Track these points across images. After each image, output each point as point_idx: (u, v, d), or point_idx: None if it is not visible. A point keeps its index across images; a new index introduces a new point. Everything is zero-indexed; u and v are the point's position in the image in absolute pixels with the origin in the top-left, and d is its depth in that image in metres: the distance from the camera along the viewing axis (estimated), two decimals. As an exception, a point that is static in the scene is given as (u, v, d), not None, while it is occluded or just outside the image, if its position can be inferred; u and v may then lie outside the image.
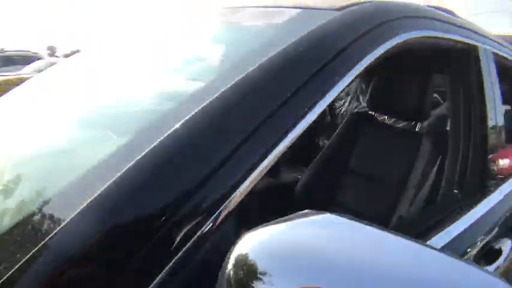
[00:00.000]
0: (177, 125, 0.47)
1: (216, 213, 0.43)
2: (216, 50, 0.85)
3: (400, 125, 1.80)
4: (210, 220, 0.43)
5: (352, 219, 0.37)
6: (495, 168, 1.15)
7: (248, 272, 0.33)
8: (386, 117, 1.79)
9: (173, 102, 0.59)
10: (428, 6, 1.17)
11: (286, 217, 0.38)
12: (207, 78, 0.62)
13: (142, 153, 0.45)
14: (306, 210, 0.38)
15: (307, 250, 0.33)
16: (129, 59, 1.00)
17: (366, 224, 0.37)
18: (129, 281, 0.39)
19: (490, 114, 1.14)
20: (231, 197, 0.44)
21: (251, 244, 0.35)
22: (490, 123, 1.14)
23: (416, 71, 1.31)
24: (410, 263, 0.33)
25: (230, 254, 0.35)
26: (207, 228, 0.43)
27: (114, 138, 0.58)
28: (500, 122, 1.20)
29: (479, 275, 0.34)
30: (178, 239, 0.41)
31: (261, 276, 0.32)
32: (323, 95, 0.57)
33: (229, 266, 0.34)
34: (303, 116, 0.54)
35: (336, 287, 0.30)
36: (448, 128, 1.52)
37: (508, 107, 1.61)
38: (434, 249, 0.37)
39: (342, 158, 1.52)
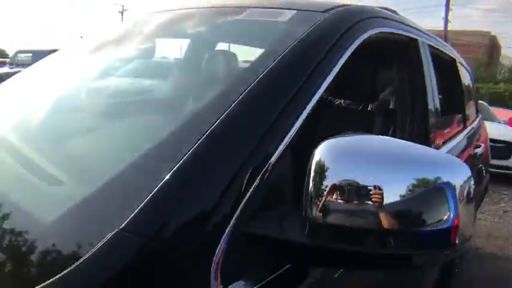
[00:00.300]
0: (239, 98, 0.65)
1: (267, 164, 0.61)
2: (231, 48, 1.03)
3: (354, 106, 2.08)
4: (265, 168, 0.60)
5: (387, 138, 0.61)
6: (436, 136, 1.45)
7: (321, 170, 0.53)
8: (342, 100, 2.05)
9: (229, 87, 0.75)
10: (379, 7, 1.43)
11: (346, 133, 0.58)
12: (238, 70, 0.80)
13: (216, 122, 0.61)
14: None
15: (360, 152, 0.54)
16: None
17: (395, 139, 0.61)
18: (221, 213, 0.54)
19: (429, 94, 1.44)
20: (277, 151, 0.63)
21: (324, 150, 0.55)
22: (429, 101, 1.43)
23: (370, 61, 1.58)
24: (407, 153, 0.56)
25: (311, 159, 0.55)
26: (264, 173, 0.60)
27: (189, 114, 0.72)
28: (437, 101, 1.50)
29: (448, 158, 0.59)
30: (245, 183, 0.57)
31: (328, 170, 0.52)
32: (325, 78, 0.78)
33: (312, 168, 0.54)
34: (314, 93, 0.74)
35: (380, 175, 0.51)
36: (391, 107, 1.83)
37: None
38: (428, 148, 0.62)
39: (305, 138, 1.77)
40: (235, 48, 1.12)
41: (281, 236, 0.57)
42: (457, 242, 0.54)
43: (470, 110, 2.64)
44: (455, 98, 2.26)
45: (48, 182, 0.69)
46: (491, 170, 3.89)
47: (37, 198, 0.63)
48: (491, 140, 4.23)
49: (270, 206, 0.61)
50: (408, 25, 1.41)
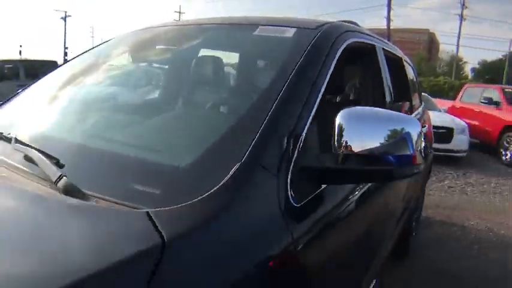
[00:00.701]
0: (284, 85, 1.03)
1: (306, 126, 1.00)
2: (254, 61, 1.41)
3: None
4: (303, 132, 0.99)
5: (376, 108, 1.02)
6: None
7: (340, 130, 0.92)
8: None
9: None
10: (344, 21, 1.86)
11: (355, 106, 0.98)
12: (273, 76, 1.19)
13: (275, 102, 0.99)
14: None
15: (362, 116, 0.94)
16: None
17: (380, 109, 1.02)
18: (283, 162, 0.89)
19: (385, 87, 1.89)
20: (308, 120, 1.01)
21: (342, 115, 0.92)
22: (386, 92, 1.88)
23: (343, 63, 2.01)
24: (386, 116, 0.98)
25: (335, 121, 0.93)
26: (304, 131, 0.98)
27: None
28: (391, 92, 1.96)
29: (409, 117, 1.00)
30: (293, 138, 0.94)
31: (343, 130, 0.92)
32: (325, 77, 1.17)
33: (336, 125, 0.92)
34: (322, 86, 1.13)
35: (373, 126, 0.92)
36: (351, 98, 2.27)
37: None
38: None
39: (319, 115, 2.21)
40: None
41: (321, 165, 0.96)
42: (414, 163, 0.96)
43: (415, 100, 3.17)
44: (403, 90, 2.76)
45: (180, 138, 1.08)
46: (436, 153, 4.51)
47: (176, 149, 1.01)
48: (435, 127, 4.86)
49: (312, 150, 1.01)
50: (368, 35, 1.85)
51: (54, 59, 15.04)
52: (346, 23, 1.70)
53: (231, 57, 1.55)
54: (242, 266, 0.72)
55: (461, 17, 35.33)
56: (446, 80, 22.55)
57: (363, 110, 0.98)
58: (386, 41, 2.29)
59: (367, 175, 0.98)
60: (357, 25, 1.97)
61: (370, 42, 1.81)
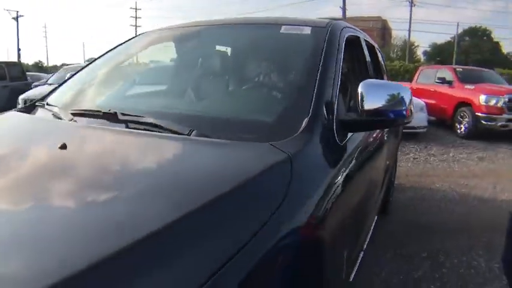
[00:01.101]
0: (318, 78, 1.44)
1: (336, 95, 1.42)
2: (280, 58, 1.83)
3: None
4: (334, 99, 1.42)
5: (381, 80, 1.47)
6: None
7: (361, 96, 1.36)
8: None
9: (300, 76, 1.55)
10: (330, 18, 2.30)
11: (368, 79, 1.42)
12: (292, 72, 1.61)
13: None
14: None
15: (374, 85, 1.38)
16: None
17: (383, 81, 1.49)
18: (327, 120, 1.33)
19: (368, 70, 2.36)
20: (336, 91, 1.44)
21: (362, 85, 1.34)
22: (370, 74, 2.35)
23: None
24: (387, 85, 1.43)
25: (357, 90, 1.36)
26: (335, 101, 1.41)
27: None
28: (372, 74, 2.43)
29: (402, 85, 1.47)
30: (327, 105, 1.36)
31: (363, 95, 1.35)
32: (340, 64, 1.60)
33: (359, 92, 1.34)
34: (339, 67, 1.56)
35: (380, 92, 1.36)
36: None
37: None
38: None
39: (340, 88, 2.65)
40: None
41: (349, 117, 1.41)
42: (407, 115, 1.42)
43: (385, 80, 3.71)
44: (377, 72, 3.26)
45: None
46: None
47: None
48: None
49: (343, 110, 1.45)
50: (354, 29, 2.31)
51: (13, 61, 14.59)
52: (345, 21, 2.14)
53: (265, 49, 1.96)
54: (323, 171, 1.16)
55: (411, 3, 37.02)
56: (402, 64, 23.65)
57: (375, 81, 1.44)
58: (364, 32, 2.76)
59: (379, 124, 1.46)
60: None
61: (357, 35, 2.27)
